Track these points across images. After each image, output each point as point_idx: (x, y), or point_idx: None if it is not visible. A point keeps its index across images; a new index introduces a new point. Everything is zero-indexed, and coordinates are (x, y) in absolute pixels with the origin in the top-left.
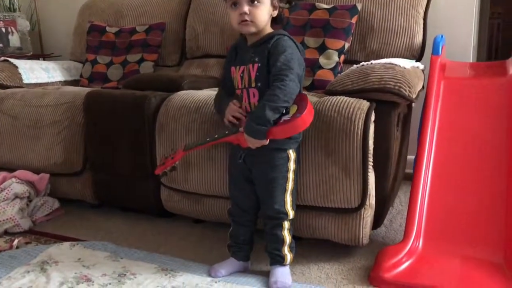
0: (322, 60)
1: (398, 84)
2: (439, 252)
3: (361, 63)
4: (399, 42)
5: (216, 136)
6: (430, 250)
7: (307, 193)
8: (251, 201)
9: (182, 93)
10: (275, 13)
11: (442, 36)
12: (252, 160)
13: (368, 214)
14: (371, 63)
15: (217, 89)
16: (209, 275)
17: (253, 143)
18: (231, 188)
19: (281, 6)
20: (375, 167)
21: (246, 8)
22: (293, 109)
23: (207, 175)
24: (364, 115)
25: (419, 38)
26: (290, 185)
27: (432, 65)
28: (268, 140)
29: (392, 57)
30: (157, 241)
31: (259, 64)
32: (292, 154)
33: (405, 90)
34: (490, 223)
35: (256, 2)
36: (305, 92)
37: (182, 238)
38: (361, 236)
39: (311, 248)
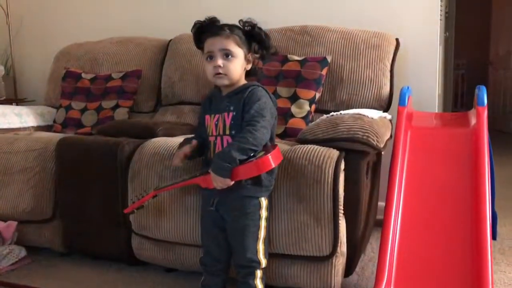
0: (294, 109)
1: (366, 134)
2: None
3: (331, 113)
4: (368, 93)
5: (186, 177)
6: None
7: (279, 240)
8: (223, 249)
9: (156, 140)
10: (249, 66)
11: (408, 88)
12: (224, 207)
13: (340, 261)
14: (341, 113)
15: (191, 136)
16: None
17: (217, 181)
18: (203, 237)
19: (256, 59)
20: (345, 215)
21: (220, 62)
22: (260, 154)
23: (179, 223)
24: (334, 164)
25: (386, 89)
26: (262, 233)
27: (399, 115)
28: (233, 181)
29: (360, 107)
30: None
31: (234, 113)
32: (264, 201)
33: (373, 140)
34: (459, 268)
35: (230, 56)
36: (277, 140)
37: (153, 287)
38: (333, 285)
39: None
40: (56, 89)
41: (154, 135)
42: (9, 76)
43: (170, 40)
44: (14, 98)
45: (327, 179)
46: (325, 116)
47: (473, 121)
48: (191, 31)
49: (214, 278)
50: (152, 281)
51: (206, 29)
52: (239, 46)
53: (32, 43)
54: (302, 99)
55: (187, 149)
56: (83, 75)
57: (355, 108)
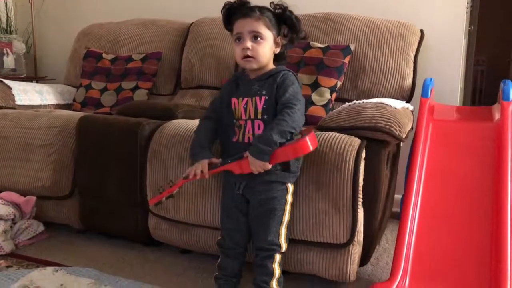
0: (314, 97)
1: (389, 123)
2: None
3: (353, 102)
4: (390, 83)
5: (218, 164)
6: None
7: (297, 226)
8: (243, 234)
9: (176, 122)
10: (278, 50)
11: (431, 79)
12: (251, 191)
13: (356, 250)
14: (363, 102)
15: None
16: None
17: (257, 165)
18: (223, 220)
19: (285, 42)
20: (364, 204)
21: (249, 44)
22: (298, 137)
23: (197, 205)
24: (355, 152)
25: (409, 80)
26: (286, 217)
27: (421, 107)
28: (271, 165)
29: (382, 97)
30: (143, 269)
31: (267, 97)
32: (290, 187)
33: (396, 130)
34: (477, 264)
35: (259, 38)
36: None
37: (168, 268)
38: (348, 273)
39: (298, 283)
40: (77, 68)
41: (173, 117)
42: (30, 54)
43: (192, 23)
44: (35, 76)
45: (348, 167)
46: (347, 104)
47: (496, 116)
48: (221, 12)
49: (232, 261)
50: (166, 262)
51: (236, 11)
52: (268, 28)
53: (54, 21)
54: (323, 87)
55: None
56: (103, 55)
57: (377, 98)
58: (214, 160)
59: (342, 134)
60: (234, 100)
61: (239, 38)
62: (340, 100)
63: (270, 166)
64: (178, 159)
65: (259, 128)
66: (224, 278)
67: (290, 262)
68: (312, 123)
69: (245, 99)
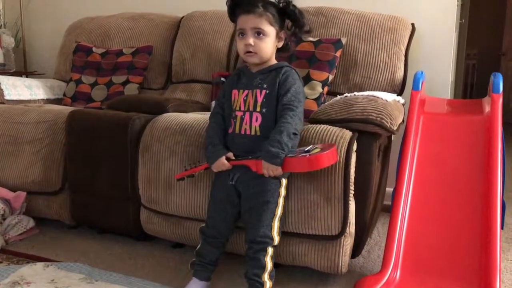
0: (306, 91)
1: (380, 115)
2: (416, 284)
3: (345, 95)
4: (381, 76)
5: (240, 158)
6: (408, 282)
7: (289, 218)
8: (229, 225)
9: (167, 115)
10: (280, 44)
11: (422, 72)
12: (244, 183)
13: (348, 242)
14: (354, 95)
15: (203, 113)
16: None
17: (270, 169)
18: (210, 209)
19: (288, 36)
20: (355, 196)
21: (251, 40)
22: (315, 150)
23: (189, 198)
24: (347, 144)
25: (400, 74)
26: (279, 210)
27: (412, 100)
28: (283, 172)
29: (374, 90)
30: (134, 264)
31: (267, 91)
32: (284, 180)
33: (387, 122)
34: (468, 256)
35: (261, 35)
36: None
37: (160, 263)
38: (340, 264)
39: (289, 275)
40: (67, 62)
41: (164, 111)
42: (19, 49)
43: (182, 17)
44: (24, 71)
45: (339, 159)
46: (338, 97)
47: (487, 108)
48: (226, 3)
49: (212, 249)
50: (158, 256)
51: (239, 4)
52: (271, 24)
53: (43, 15)
54: (315, 80)
55: (231, 156)
56: (94, 49)
57: (368, 91)
58: (230, 155)
59: (334, 127)
60: (234, 91)
61: (242, 34)
62: (332, 93)
63: (282, 172)
64: (170, 152)
65: (256, 121)
66: (201, 265)
67: (282, 254)
68: (304, 116)
69: (246, 91)
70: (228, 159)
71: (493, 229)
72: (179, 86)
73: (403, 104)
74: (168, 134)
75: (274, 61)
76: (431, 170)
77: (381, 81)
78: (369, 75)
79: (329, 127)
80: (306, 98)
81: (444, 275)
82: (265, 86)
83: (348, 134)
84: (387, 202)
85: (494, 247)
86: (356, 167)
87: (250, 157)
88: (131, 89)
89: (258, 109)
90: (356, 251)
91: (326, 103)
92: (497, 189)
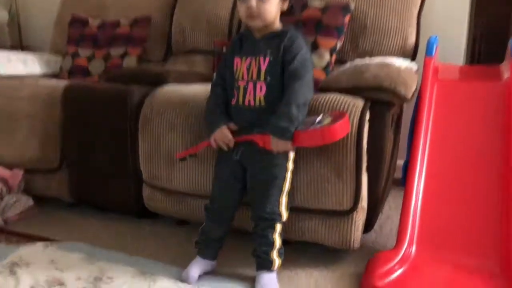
0: (313, 59)
1: (394, 83)
2: (432, 260)
3: (355, 62)
4: (392, 42)
5: (244, 133)
6: (424, 258)
7: (297, 193)
8: (234, 201)
9: (168, 87)
10: (286, 5)
11: (436, 37)
12: (250, 157)
13: (360, 217)
14: (365, 62)
15: (204, 84)
16: (183, 281)
17: (279, 145)
18: (215, 185)
19: None
20: (367, 169)
21: (253, 2)
22: (327, 121)
23: (192, 174)
24: (359, 114)
25: (412, 39)
26: (287, 185)
27: (426, 66)
28: (294, 146)
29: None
30: (137, 243)
31: (271, 58)
32: (291, 153)
33: (401, 90)
34: (485, 230)
35: None
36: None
37: (163, 241)
38: (352, 240)
39: (298, 252)
40: (62, 35)
41: (164, 82)
42: (14, 23)
43: None
44: (19, 45)
45: (351, 130)
46: (348, 64)
47: (505, 74)
48: None
49: (217, 226)
50: (161, 234)
51: None
52: None
53: None
54: (323, 48)
55: (232, 126)
56: (90, 21)
57: (379, 57)
58: (232, 126)
59: (345, 95)
60: (237, 59)
61: None
62: (340, 62)
63: (292, 148)
64: (170, 126)
65: (261, 91)
66: (205, 243)
67: (292, 230)
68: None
69: (249, 58)
70: (232, 132)
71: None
72: (180, 57)
73: (416, 71)
74: (168, 107)
75: (278, 26)
76: (447, 141)
77: (392, 47)
78: (379, 41)
79: (340, 95)
80: (314, 67)
81: (462, 250)
82: (269, 52)
83: (360, 103)
84: (398, 175)
85: None
86: (368, 138)
87: (255, 131)
88: (130, 62)
89: (262, 78)
90: (368, 225)
91: (336, 71)
92: None
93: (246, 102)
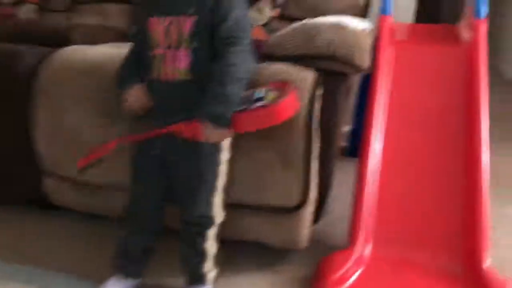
0: (252, 15)
1: (351, 51)
2: (392, 260)
3: (304, 21)
4: None
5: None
6: (381, 258)
7: (235, 187)
8: (159, 204)
9: (70, 49)
10: None
11: None
12: (173, 149)
13: (309, 211)
14: (316, 21)
15: (119, 45)
16: None
17: (213, 135)
18: (133, 186)
19: None
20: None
21: None
22: (271, 96)
23: (106, 162)
24: (310, 90)
25: None
26: (220, 181)
27: (381, 26)
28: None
29: (332, 13)
30: (34, 247)
31: (197, 17)
32: (225, 141)
33: (359, 59)
34: (449, 224)
35: None
36: None
37: (68, 242)
38: (300, 239)
39: (237, 252)
40: None
41: (67, 42)
42: None
43: None
44: None
45: (300, 110)
46: (296, 24)
47: (464, 36)
48: None
49: (139, 238)
50: (71, 233)
51: None
52: None
53: None
54: (262, 1)
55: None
56: None
57: (327, 14)
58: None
59: (292, 67)
60: (152, 20)
61: None
62: (284, 18)
63: (232, 135)
64: (76, 100)
65: (184, 60)
66: (127, 256)
67: (229, 230)
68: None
69: (168, 18)
70: (149, 117)
71: (479, 184)
72: (89, 7)
73: (371, 31)
74: (73, 76)
75: None
76: (405, 117)
77: (341, 2)
78: None
79: (287, 67)
80: (252, 25)
81: (423, 248)
82: (192, 10)
83: (310, 76)
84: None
85: (482, 206)
86: (319, 116)
87: (180, 117)
88: (26, 11)
89: (185, 44)
90: (317, 216)
91: (280, 32)
92: (481, 130)
93: (165, 76)
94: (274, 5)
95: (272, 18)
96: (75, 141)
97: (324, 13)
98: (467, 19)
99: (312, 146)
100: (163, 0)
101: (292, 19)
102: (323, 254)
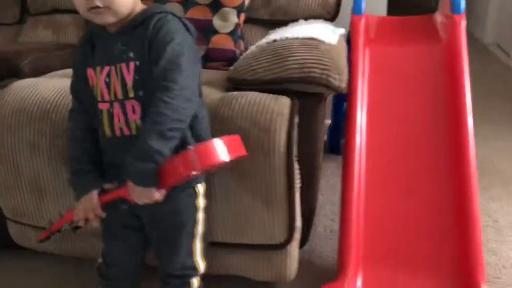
0: (216, 22)
1: (326, 71)
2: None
3: (273, 37)
4: None
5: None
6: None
7: (216, 229)
8: (136, 259)
9: (19, 86)
10: None
11: None
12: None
13: (295, 244)
14: (287, 38)
15: (70, 73)
16: None
17: (140, 195)
18: (105, 242)
19: None
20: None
21: None
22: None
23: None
24: (287, 122)
25: None
26: (199, 228)
27: (354, 28)
28: (162, 192)
29: (302, 14)
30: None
31: (137, 62)
32: (200, 187)
33: (335, 79)
34: (440, 242)
35: None
36: None
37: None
38: (288, 273)
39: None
40: None
41: (17, 71)
42: None
43: None
44: None
45: (278, 147)
46: (264, 41)
47: (439, 27)
48: None
49: None
50: (39, 276)
51: None
52: None
53: None
54: (227, 7)
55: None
56: None
57: (297, 18)
58: (108, 185)
59: (265, 95)
60: (90, 71)
61: None
62: (251, 21)
63: (160, 196)
64: (31, 147)
65: (134, 112)
66: None
67: (213, 266)
68: (217, 58)
69: (106, 68)
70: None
71: (471, 195)
72: (41, 19)
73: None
74: (25, 121)
75: (140, 8)
76: (386, 127)
77: (311, 2)
78: None
79: (259, 96)
80: (217, 33)
81: (414, 269)
82: (131, 55)
83: (286, 105)
84: None
85: (475, 219)
86: (298, 144)
87: (117, 184)
88: None
89: (130, 94)
90: (303, 241)
91: (248, 52)
92: (469, 141)
93: (118, 132)
94: (240, 10)
95: (239, 25)
96: (34, 188)
97: (292, 14)
98: (443, 10)
99: (293, 179)
100: (98, 48)
101: (259, 22)
102: (313, 280)
